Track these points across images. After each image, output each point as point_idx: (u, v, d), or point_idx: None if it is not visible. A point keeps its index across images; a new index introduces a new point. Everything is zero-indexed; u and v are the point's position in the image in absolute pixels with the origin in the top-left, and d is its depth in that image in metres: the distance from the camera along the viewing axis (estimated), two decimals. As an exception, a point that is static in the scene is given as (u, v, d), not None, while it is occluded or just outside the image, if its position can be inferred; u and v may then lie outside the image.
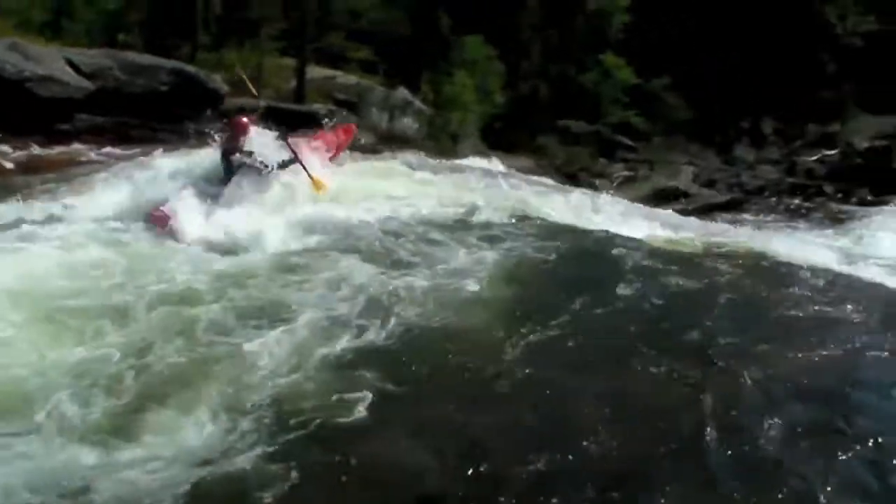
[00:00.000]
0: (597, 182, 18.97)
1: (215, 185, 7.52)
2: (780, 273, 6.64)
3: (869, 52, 30.83)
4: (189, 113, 14.51)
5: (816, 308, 5.53)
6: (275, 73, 18.39)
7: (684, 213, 18.49)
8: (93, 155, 11.91)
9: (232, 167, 7.54)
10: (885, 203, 22.20)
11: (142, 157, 10.31)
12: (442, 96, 19.40)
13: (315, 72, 19.40)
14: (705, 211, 18.79)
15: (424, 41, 19.10)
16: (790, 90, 28.30)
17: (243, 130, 7.75)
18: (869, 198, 22.53)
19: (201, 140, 9.46)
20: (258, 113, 9.32)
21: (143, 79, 14.73)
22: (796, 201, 22.33)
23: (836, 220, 19.38)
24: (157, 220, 6.98)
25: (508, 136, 19.08)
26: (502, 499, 3.04)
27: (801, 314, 5.34)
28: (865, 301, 5.92)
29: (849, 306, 5.66)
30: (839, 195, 23.05)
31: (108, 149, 12.16)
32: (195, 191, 7.47)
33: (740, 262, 6.75)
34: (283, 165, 7.79)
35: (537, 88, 19.24)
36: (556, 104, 20.01)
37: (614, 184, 19.36)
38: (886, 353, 4.75)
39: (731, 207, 20.15)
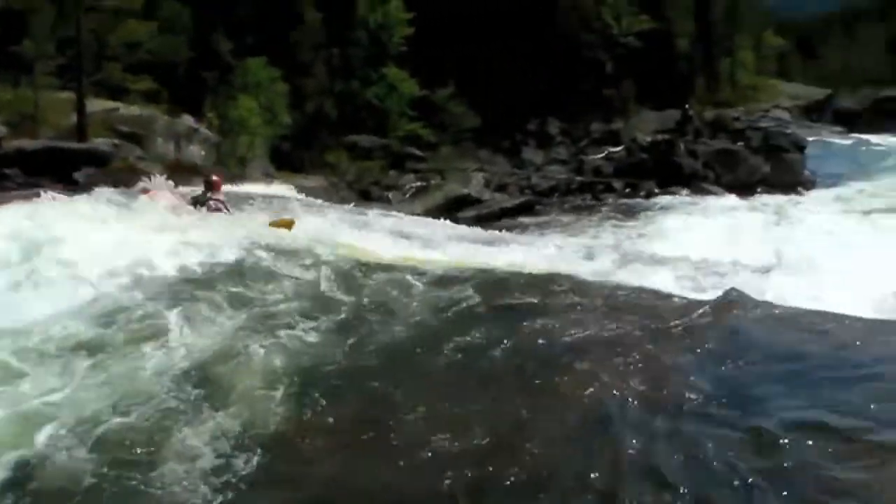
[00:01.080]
0: (389, 195, 21.87)
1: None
2: (554, 288, 7.54)
3: (645, 50, 37.05)
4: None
5: (596, 324, 6.28)
6: (53, 110, 19.60)
7: (478, 219, 22.07)
8: None
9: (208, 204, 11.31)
10: (672, 194, 26.65)
11: None
12: (227, 121, 21.52)
13: (96, 105, 20.71)
14: (498, 216, 22.27)
15: (206, 67, 21.51)
16: (574, 91, 33.29)
17: (218, 187, 11.77)
18: (656, 190, 27.38)
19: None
20: None
21: None
22: (587, 199, 26.52)
23: (626, 215, 23.18)
24: (146, 192, 10.81)
25: (298, 156, 21.79)
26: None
27: (574, 331, 6.00)
28: (646, 312, 6.79)
29: (626, 319, 6.44)
30: (627, 190, 27.72)
31: None
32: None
33: (521, 282, 7.75)
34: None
35: (323, 106, 22.15)
36: (344, 120, 22.93)
37: (407, 195, 22.17)
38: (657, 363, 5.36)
39: (524, 210, 23.61)
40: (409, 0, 25.41)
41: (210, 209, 11.54)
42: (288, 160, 21.72)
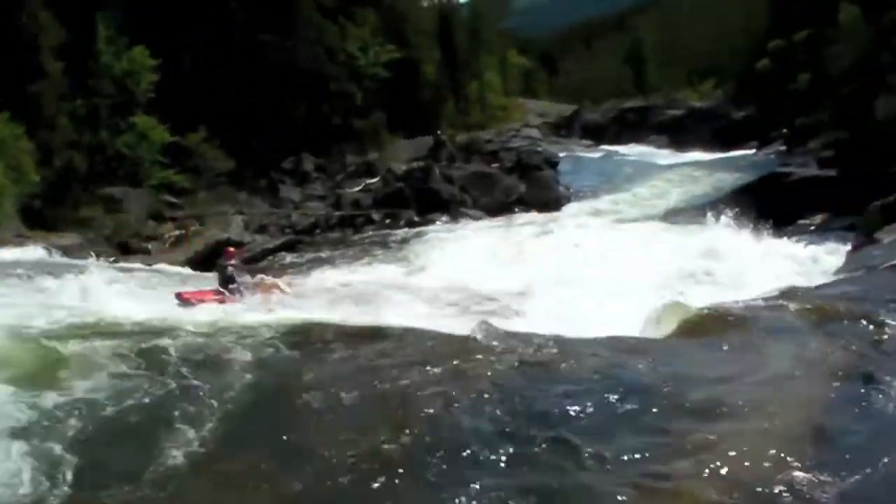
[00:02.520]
0: (149, 246, 22.66)
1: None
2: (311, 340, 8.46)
3: (393, 80, 40.29)
4: None
5: (351, 365, 7.33)
6: None
7: (243, 262, 23.72)
8: None
9: (226, 273, 14.34)
10: (431, 221, 29.17)
11: None
12: (-30, 184, 21.87)
13: None
14: (261, 258, 23.54)
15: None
16: (325, 125, 35.49)
17: (232, 255, 15.17)
18: (415, 218, 29.59)
19: None
20: None
21: None
22: (347, 233, 28.25)
23: (386, 247, 25.07)
24: (182, 298, 13.50)
25: (51, 214, 22.33)
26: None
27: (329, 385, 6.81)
28: (402, 349, 7.74)
29: (379, 359, 7.41)
30: (387, 220, 29.57)
31: None
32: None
33: (276, 333, 8.58)
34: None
35: (72, 160, 23.04)
36: (96, 173, 23.83)
37: (167, 245, 23.12)
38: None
39: (286, 249, 24.86)
40: (154, 45, 26.61)
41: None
42: (41, 218, 22.26)
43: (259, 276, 16.10)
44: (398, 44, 41.19)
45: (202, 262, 21.55)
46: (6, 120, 22.01)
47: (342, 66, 36.21)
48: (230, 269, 14.68)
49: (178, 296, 13.82)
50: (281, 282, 15.46)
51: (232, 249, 15.81)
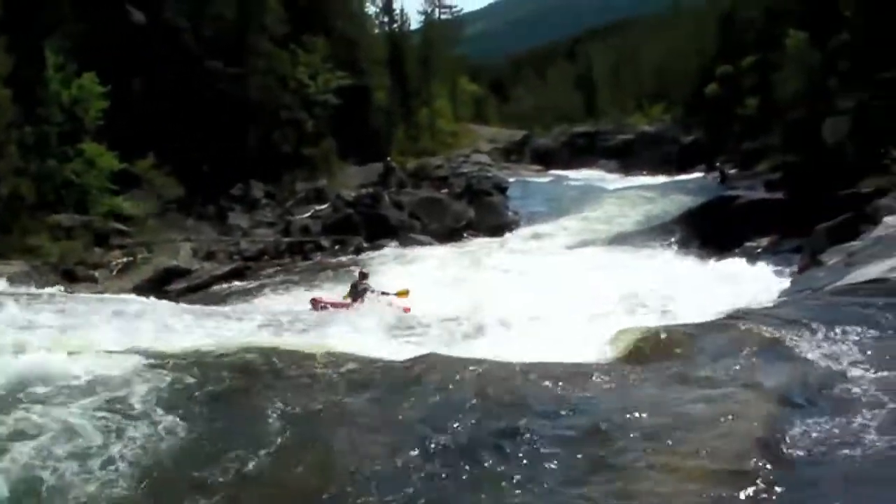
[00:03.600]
0: (96, 273, 22.69)
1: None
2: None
3: (344, 106, 40.84)
4: None
5: (295, 395, 7.42)
6: None
7: (189, 290, 23.37)
8: None
9: (357, 290, 17.93)
10: (381, 247, 29.63)
11: None
12: (-85, 213, 21.85)
13: None
14: (209, 285, 23.85)
15: None
16: (276, 152, 36.00)
17: (365, 276, 18.72)
18: (365, 245, 30.08)
19: None
20: None
21: None
22: (296, 259, 28.44)
23: (335, 274, 25.01)
24: (315, 304, 17.08)
25: None
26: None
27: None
28: (348, 378, 7.92)
29: (326, 389, 7.58)
30: (336, 247, 29.99)
31: None
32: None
33: (225, 360, 8.75)
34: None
35: (20, 187, 23.26)
36: (44, 200, 24.16)
37: (114, 272, 23.14)
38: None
39: (234, 276, 25.10)
40: (104, 72, 26.86)
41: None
42: (-13, 248, 22.42)
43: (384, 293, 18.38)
44: (349, 70, 41.82)
45: (150, 289, 21.60)
46: (-49, 148, 22.08)
47: (293, 94, 36.66)
48: (361, 286, 18.19)
49: (313, 301, 17.15)
50: (399, 299, 18.04)
51: (366, 272, 19.56)
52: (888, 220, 14.53)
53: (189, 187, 28.63)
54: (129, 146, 27.06)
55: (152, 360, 8.72)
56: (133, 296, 19.04)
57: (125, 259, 24.19)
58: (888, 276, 10.20)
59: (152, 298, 17.93)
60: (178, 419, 6.93)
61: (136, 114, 28.28)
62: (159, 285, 22.84)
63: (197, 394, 7.71)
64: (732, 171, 45.98)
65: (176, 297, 21.21)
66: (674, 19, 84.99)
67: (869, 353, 7.29)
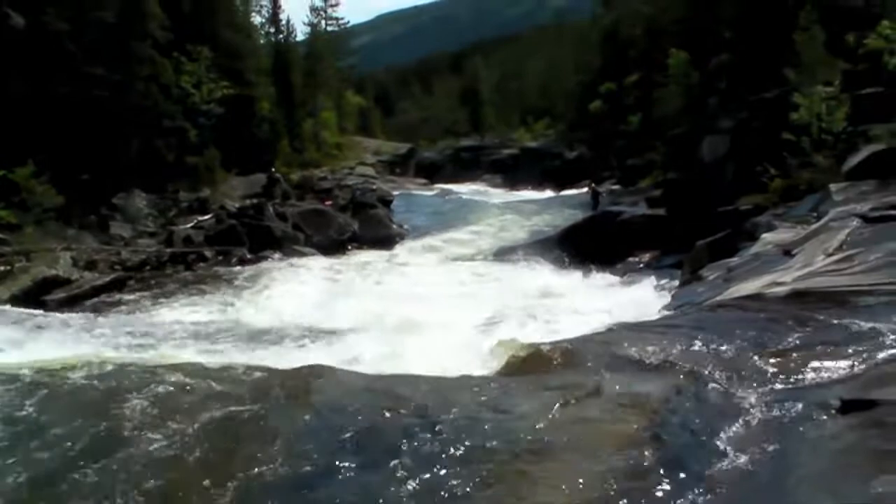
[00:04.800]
0: None
1: None
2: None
3: (228, 116, 40.89)
4: None
5: (172, 408, 7.20)
6: None
7: (68, 300, 23.22)
8: None
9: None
10: (264, 259, 29.73)
11: None
12: None
13: None
14: (90, 295, 23.43)
15: None
16: (158, 162, 35.69)
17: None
18: (248, 256, 30.09)
19: None
20: None
21: None
22: (179, 270, 28.16)
23: (217, 284, 25.24)
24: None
25: None
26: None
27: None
28: (227, 389, 7.76)
29: (201, 401, 7.35)
30: (220, 258, 29.87)
31: None
32: None
33: (98, 371, 8.49)
34: None
35: None
36: None
37: None
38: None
39: (116, 286, 24.78)
40: None
41: None
42: None
43: None
44: (234, 80, 41.77)
45: (27, 299, 21.47)
46: None
47: (176, 103, 36.51)
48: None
49: None
50: None
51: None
52: (766, 236, 15.14)
53: (69, 196, 28.11)
54: (8, 154, 26.58)
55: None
56: (8, 307, 19.11)
57: (1, 268, 23.68)
58: (765, 292, 10.60)
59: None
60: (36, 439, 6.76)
61: (15, 120, 27.85)
62: (37, 295, 22.44)
63: (64, 408, 7.49)
64: (615, 187, 47.40)
65: (55, 307, 21.17)
66: (557, 36, 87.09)
67: (745, 365, 7.58)
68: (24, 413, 7.39)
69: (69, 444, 6.63)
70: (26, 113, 28.71)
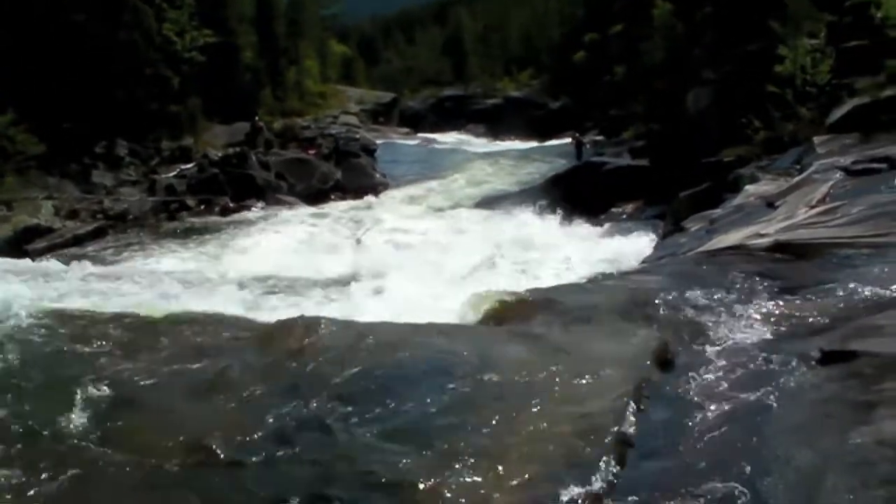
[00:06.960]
0: None
1: None
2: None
3: (210, 65, 40.31)
4: None
5: (165, 360, 6.96)
6: None
7: (50, 248, 22.64)
8: None
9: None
10: (247, 208, 30.04)
11: None
12: None
13: None
14: (72, 244, 23.71)
15: None
16: (140, 110, 35.07)
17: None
18: (231, 205, 30.19)
19: None
20: None
21: None
22: (161, 219, 28.51)
23: (201, 233, 25.76)
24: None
25: None
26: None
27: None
28: (214, 340, 7.58)
29: (190, 352, 7.14)
30: (202, 207, 30.03)
31: None
32: None
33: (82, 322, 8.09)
34: None
35: None
36: None
37: None
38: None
39: (98, 235, 25.11)
40: None
41: None
42: None
43: None
44: (216, 28, 41.16)
45: (8, 249, 21.39)
46: None
47: (159, 51, 35.97)
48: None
49: None
50: None
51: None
52: (749, 188, 15.17)
53: (51, 145, 27.80)
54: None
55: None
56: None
57: (-16, 218, 23.52)
58: (747, 243, 10.64)
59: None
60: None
61: (-5, 68, 27.43)
62: (19, 245, 22.42)
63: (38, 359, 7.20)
64: (599, 138, 47.33)
65: (37, 256, 21.10)
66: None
67: (725, 315, 7.59)
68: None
69: (44, 396, 6.48)
70: (6, 61, 28.21)
